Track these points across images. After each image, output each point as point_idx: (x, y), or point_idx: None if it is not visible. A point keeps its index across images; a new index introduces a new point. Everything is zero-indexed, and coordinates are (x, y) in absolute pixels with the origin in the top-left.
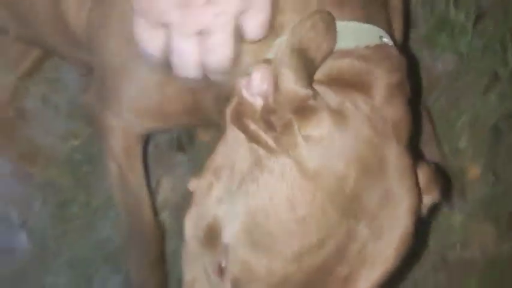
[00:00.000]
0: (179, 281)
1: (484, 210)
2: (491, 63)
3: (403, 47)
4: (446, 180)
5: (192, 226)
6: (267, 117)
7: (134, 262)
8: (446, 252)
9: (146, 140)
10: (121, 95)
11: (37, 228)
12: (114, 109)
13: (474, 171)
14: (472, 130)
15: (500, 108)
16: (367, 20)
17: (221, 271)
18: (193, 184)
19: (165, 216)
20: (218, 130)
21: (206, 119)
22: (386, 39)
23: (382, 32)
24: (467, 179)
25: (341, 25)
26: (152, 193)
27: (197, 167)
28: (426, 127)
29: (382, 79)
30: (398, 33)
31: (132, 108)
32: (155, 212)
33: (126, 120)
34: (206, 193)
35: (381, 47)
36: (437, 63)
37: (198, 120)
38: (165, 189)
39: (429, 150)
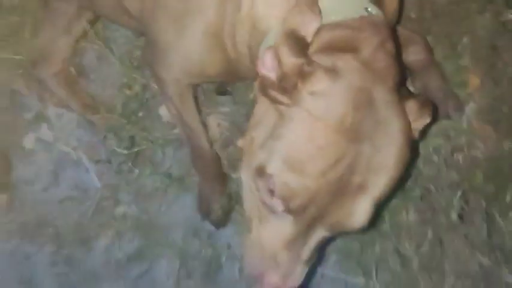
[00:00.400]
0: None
1: (485, 116)
2: None
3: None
4: (434, 107)
5: (246, 171)
6: (280, 84)
7: (201, 179)
8: (456, 152)
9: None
10: (171, 59)
11: (105, 168)
12: (166, 67)
13: (475, 82)
14: (472, 48)
15: (496, 24)
16: None
17: (271, 193)
18: (241, 142)
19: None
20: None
21: (239, 78)
22: (371, 9)
23: (368, 4)
24: (469, 90)
25: (329, 3)
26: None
27: (236, 105)
28: (425, 56)
29: (367, 40)
30: (391, 9)
31: (179, 69)
32: (210, 140)
33: (176, 75)
34: (250, 145)
35: (365, 16)
36: None
37: (232, 79)
38: (212, 125)
39: (430, 74)
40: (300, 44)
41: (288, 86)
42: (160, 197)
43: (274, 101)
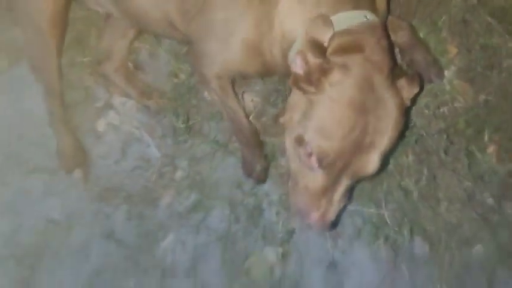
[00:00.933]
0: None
1: (463, 75)
2: None
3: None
4: (421, 79)
5: (288, 141)
6: (307, 78)
7: (243, 147)
8: (442, 106)
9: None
10: (215, 63)
11: (163, 141)
12: (210, 68)
13: (453, 50)
14: (449, 24)
15: (465, 5)
16: (355, 7)
17: (309, 155)
18: (282, 120)
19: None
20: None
21: (270, 74)
22: (369, 16)
23: (366, 13)
24: (449, 56)
25: (338, 16)
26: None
27: (265, 84)
28: (410, 38)
29: (367, 41)
30: (382, 10)
31: (222, 69)
32: (247, 116)
33: (218, 73)
34: (290, 122)
35: (365, 22)
36: None
37: (265, 75)
38: (247, 101)
39: (415, 51)
40: (319, 48)
41: (313, 80)
42: (210, 161)
43: (304, 91)
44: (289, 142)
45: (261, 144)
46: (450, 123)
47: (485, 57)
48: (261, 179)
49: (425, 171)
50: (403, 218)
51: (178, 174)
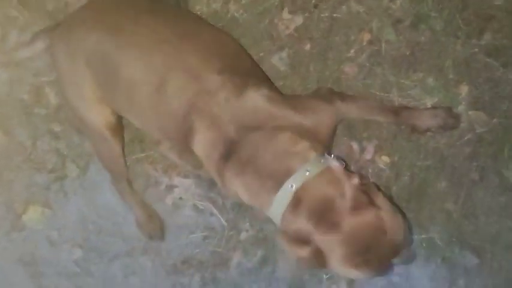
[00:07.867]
0: None
1: (474, 106)
2: None
3: None
4: None
5: None
6: None
7: None
8: (466, 135)
9: None
10: None
11: (223, 210)
12: None
13: (464, 88)
14: (453, 67)
15: (464, 48)
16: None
17: None
18: None
19: None
20: None
21: None
22: (295, 185)
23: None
24: (461, 95)
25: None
26: None
27: None
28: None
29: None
30: None
31: None
32: None
33: None
34: None
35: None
36: None
37: None
38: None
39: None
40: None
41: None
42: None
43: None
44: None
45: None
46: (474, 147)
47: (490, 88)
48: None
49: (461, 192)
50: (450, 237)
51: (243, 235)
